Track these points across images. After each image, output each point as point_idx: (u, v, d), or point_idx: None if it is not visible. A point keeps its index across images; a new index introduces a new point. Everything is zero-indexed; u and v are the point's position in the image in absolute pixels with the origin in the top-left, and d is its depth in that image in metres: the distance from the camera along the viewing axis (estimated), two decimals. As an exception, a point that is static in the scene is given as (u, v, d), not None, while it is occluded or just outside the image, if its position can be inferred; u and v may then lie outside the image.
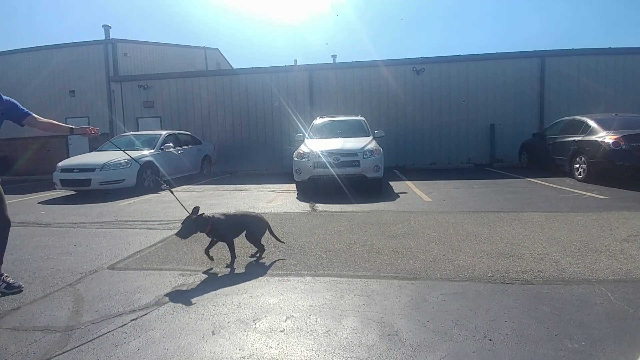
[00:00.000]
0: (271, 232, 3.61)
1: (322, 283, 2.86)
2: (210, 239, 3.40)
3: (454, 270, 3.02)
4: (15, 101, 2.93)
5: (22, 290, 2.87)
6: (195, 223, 3.19)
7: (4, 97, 2.85)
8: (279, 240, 3.70)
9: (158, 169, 8.88)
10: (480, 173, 10.18)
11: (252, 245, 3.54)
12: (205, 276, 3.10)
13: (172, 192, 3.82)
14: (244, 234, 3.49)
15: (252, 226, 3.48)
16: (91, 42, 15.12)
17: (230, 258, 3.41)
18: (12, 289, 2.84)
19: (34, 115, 2.96)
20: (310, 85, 13.36)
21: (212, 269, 3.23)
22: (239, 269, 3.23)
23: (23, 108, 2.94)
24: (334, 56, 19.80)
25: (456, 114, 12.71)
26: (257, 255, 3.53)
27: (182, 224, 3.21)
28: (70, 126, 3.10)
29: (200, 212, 3.24)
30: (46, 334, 2.22)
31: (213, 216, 3.29)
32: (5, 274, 2.93)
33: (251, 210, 5.89)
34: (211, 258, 3.35)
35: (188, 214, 3.24)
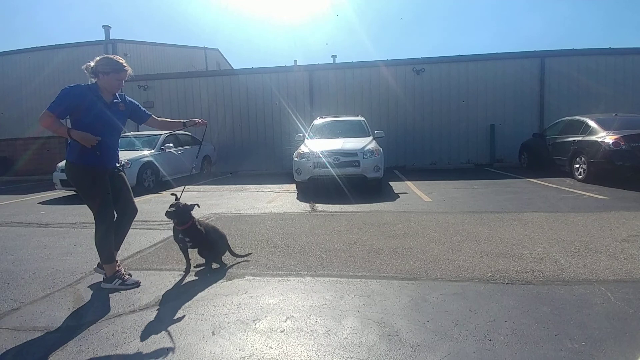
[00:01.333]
0: (230, 251, 3.43)
1: (322, 283, 2.86)
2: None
3: (454, 271, 3.02)
4: (137, 102, 3.12)
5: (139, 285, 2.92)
6: (183, 211, 3.03)
7: (127, 98, 3.01)
8: (238, 256, 3.48)
9: (158, 170, 8.88)
10: (480, 173, 10.18)
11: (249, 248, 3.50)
12: (205, 277, 3.10)
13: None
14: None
15: (216, 244, 3.25)
16: (91, 42, 15.16)
17: (207, 266, 3.22)
18: (127, 286, 2.88)
19: (153, 116, 3.17)
20: (310, 86, 13.36)
21: (212, 269, 3.22)
22: (239, 270, 3.23)
23: (144, 109, 3.14)
24: (334, 56, 19.84)
25: (456, 114, 12.71)
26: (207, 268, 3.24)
27: (173, 205, 3.02)
28: (183, 121, 3.26)
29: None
30: (46, 334, 2.22)
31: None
32: (123, 269, 3.00)
33: (251, 210, 5.89)
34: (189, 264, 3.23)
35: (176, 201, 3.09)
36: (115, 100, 2.86)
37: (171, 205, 3.03)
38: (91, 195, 2.81)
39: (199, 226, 3.14)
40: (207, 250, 3.20)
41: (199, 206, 3.22)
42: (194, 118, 3.37)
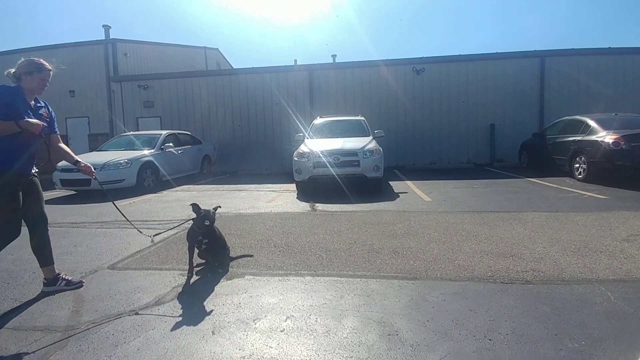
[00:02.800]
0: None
1: (322, 283, 2.86)
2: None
3: (454, 270, 3.02)
4: (54, 115, 3.03)
5: (82, 285, 2.95)
6: (212, 214, 3.06)
7: (49, 107, 2.95)
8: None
9: (158, 169, 8.88)
10: (480, 173, 10.18)
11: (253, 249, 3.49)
12: (205, 276, 3.10)
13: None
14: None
15: (221, 247, 3.28)
16: (91, 42, 15.12)
17: (221, 267, 3.22)
18: (72, 285, 2.92)
19: (59, 136, 3.04)
20: (310, 85, 13.36)
21: (212, 269, 3.22)
22: (239, 269, 3.23)
23: (56, 126, 3.05)
24: (334, 56, 19.83)
25: (456, 114, 12.71)
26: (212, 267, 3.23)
27: (204, 211, 3.03)
28: (77, 159, 3.01)
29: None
30: (46, 334, 2.22)
31: None
32: (64, 273, 2.99)
33: (251, 210, 5.89)
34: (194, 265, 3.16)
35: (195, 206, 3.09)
36: (38, 105, 2.79)
37: (203, 216, 3.00)
38: (2, 202, 2.61)
39: (216, 228, 3.18)
40: (218, 252, 3.20)
41: (220, 207, 3.34)
42: (89, 166, 3.10)
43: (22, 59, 2.74)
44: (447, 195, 6.66)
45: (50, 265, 2.89)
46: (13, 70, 2.71)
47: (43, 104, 2.86)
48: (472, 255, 3.36)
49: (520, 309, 2.33)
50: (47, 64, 2.75)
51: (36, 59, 2.75)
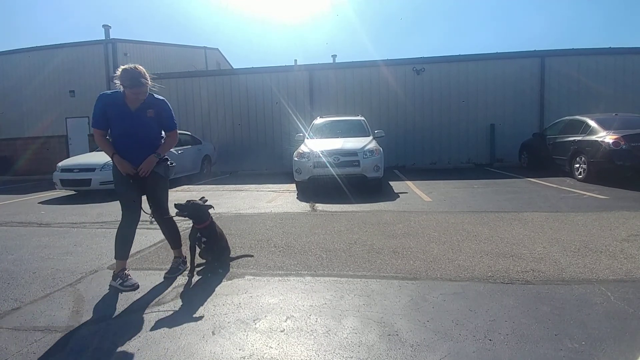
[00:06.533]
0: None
1: (322, 283, 2.86)
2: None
3: (454, 270, 3.02)
4: (171, 108, 3.14)
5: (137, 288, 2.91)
6: (200, 208, 3.06)
7: (156, 96, 3.04)
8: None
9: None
10: (480, 173, 10.18)
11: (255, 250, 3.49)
12: (205, 276, 3.10)
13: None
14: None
15: (223, 248, 3.26)
16: (91, 42, 15.13)
17: (218, 265, 3.19)
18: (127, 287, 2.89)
19: (177, 131, 3.28)
20: (310, 85, 13.36)
21: (212, 269, 3.22)
22: (239, 270, 3.23)
23: (175, 120, 3.18)
24: (334, 56, 19.82)
25: (456, 114, 12.70)
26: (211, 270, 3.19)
27: (187, 202, 3.07)
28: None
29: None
30: (46, 334, 2.22)
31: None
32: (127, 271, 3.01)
33: (251, 210, 5.89)
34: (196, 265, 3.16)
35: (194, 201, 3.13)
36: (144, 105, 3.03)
37: (187, 201, 3.08)
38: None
39: (216, 227, 3.18)
40: (219, 252, 3.19)
41: (213, 208, 3.21)
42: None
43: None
44: (447, 196, 6.66)
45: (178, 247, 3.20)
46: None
47: (156, 102, 2.99)
48: (472, 256, 3.36)
49: (520, 309, 2.33)
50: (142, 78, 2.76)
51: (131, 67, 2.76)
